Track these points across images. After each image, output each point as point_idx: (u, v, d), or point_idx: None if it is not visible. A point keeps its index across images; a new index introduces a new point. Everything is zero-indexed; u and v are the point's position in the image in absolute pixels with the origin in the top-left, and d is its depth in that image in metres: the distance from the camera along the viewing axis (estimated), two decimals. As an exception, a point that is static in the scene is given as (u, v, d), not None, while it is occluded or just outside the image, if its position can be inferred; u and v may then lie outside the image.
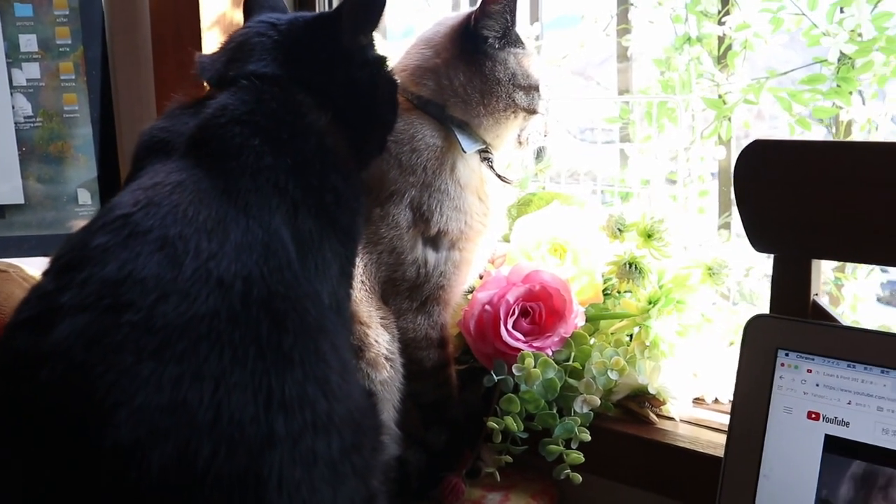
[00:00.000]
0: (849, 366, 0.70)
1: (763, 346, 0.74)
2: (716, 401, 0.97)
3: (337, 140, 0.74)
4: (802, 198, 0.73)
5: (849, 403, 0.70)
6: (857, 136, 1.18)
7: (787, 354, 0.73)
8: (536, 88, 0.93)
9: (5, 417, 0.55)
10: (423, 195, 0.91)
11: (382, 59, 0.82)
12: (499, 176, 0.95)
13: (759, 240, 0.76)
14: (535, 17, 1.45)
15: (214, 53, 0.81)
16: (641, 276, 0.90)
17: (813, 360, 0.72)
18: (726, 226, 1.23)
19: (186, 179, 0.65)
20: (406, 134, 0.91)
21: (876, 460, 0.68)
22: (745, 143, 1.27)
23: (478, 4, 0.90)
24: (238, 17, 1.39)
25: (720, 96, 1.29)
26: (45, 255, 1.50)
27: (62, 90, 1.43)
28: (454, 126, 0.92)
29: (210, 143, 0.68)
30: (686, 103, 1.32)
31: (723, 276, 0.90)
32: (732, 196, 1.32)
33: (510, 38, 0.91)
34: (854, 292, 1.12)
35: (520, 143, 0.97)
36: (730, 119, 1.29)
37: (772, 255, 0.77)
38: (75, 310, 0.55)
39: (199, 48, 1.35)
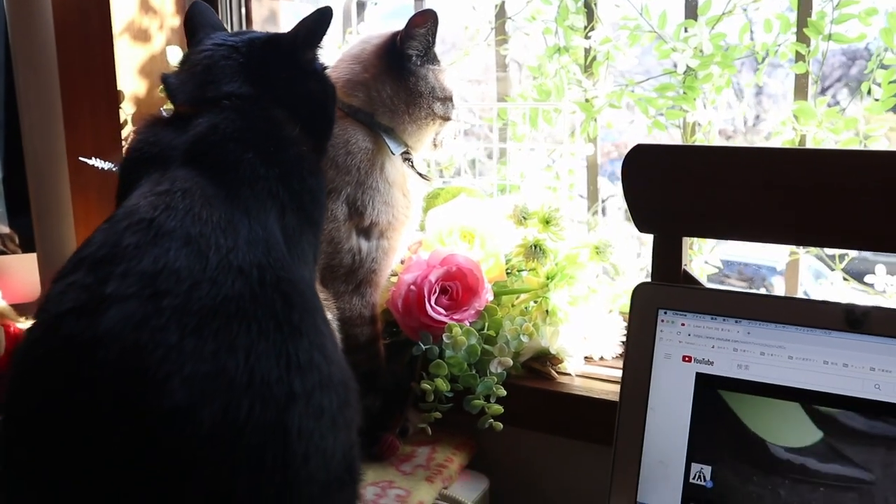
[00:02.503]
0: (712, 318, 0.91)
1: (647, 307, 0.93)
2: (601, 358, 1.17)
3: (307, 147, 0.87)
4: (675, 189, 0.93)
5: (713, 347, 0.90)
6: (699, 134, 1.42)
7: (665, 312, 0.93)
8: (450, 99, 1.09)
9: (65, 395, 0.63)
10: (357, 192, 1.05)
11: (325, 68, 0.95)
12: (419, 174, 1.10)
13: (642, 222, 0.96)
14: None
15: (180, 74, 0.89)
16: (544, 255, 1.08)
17: (685, 315, 0.92)
18: (595, 212, 1.44)
19: (193, 187, 0.75)
20: (341, 139, 1.04)
21: (733, 388, 0.89)
22: (609, 140, 1.48)
23: (404, 27, 1.05)
24: (146, 23, 1.45)
25: (587, 100, 1.50)
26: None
27: (-37, 94, 1.44)
28: (382, 131, 1.06)
29: (209, 157, 0.79)
30: (557, 110, 1.52)
31: (608, 253, 1.10)
32: (599, 187, 1.54)
33: (430, 57, 1.07)
34: (700, 266, 1.37)
35: (435, 145, 1.13)
36: (596, 120, 1.50)
37: (651, 235, 0.96)
38: (121, 298, 0.65)
39: (111, 57, 1.40)
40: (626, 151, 0.93)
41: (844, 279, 1.26)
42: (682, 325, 0.92)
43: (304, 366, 0.70)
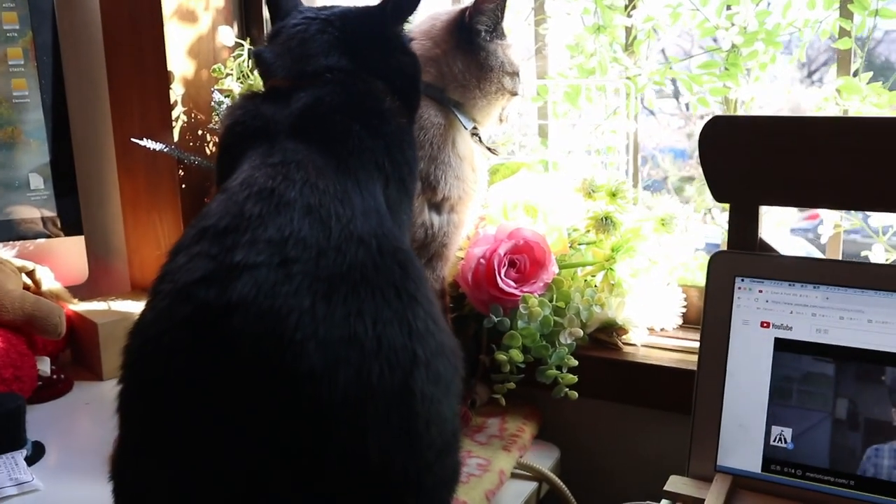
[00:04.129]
0: (790, 284, 0.93)
1: (724, 275, 0.96)
2: (662, 329, 1.20)
3: (405, 119, 0.88)
4: (752, 160, 0.95)
5: (791, 313, 0.93)
6: (741, 110, 1.45)
7: (742, 280, 0.95)
8: (518, 74, 1.11)
9: (201, 362, 0.64)
10: (431, 167, 1.06)
11: (411, 40, 0.96)
12: (489, 148, 1.12)
13: (719, 192, 0.98)
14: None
15: (274, 48, 0.89)
16: (614, 227, 1.11)
17: (762, 282, 0.94)
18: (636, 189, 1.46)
19: (305, 159, 0.76)
20: (414, 114, 1.06)
21: (812, 353, 0.92)
22: (650, 117, 1.50)
23: (472, 2, 1.06)
24: (193, 4, 1.46)
25: (629, 78, 1.52)
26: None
27: (11, 75, 1.44)
28: (453, 107, 1.08)
29: (317, 129, 0.80)
30: (601, 87, 1.54)
31: (674, 225, 1.12)
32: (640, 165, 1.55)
33: (499, 32, 1.08)
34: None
35: (500, 120, 1.14)
36: (638, 99, 1.52)
37: (727, 205, 0.99)
38: (251, 266, 0.65)
39: (161, 38, 1.41)
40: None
41: (887, 251, 1.29)
42: (760, 291, 0.94)
43: (423, 333, 0.71)
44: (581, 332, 1.10)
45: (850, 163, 0.92)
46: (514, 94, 1.11)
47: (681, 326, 1.20)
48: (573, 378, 1.06)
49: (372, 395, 0.66)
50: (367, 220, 0.74)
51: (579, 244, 1.20)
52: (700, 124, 1.45)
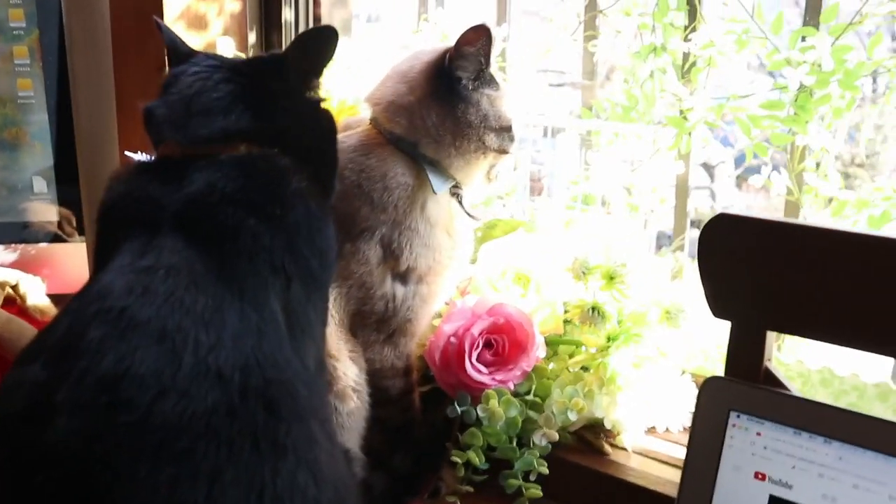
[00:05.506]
0: (795, 432, 0.75)
1: (717, 406, 0.78)
2: (667, 430, 1.02)
3: (317, 199, 0.74)
4: (761, 272, 0.76)
5: (793, 468, 0.75)
6: (808, 161, 1.23)
7: (738, 416, 0.77)
8: (508, 129, 0.94)
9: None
10: (394, 233, 0.92)
11: (323, 100, 0.81)
12: (468, 214, 0.97)
13: (718, 307, 0.80)
14: (502, 18, 1.45)
15: (167, 101, 0.76)
16: (603, 320, 0.94)
17: (763, 423, 0.76)
18: (681, 247, 1.27)
19: (180, 263, 0.64)
20: (378, 171, 0.91)
21: (814, 522, 0.74)
22: (703, 156, 1.30)
23: (454, 44, 0.90)
24: (203, 9, 1.35)
25: (681, 112, 1.32)
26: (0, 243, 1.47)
27: (16, 75, 1.38)
28: (426, 164, 0.93)
29: (203, 224, 0.67)
30: (647, 113, 1.34)
31: (680, 319, 0.94)
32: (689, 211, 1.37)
33: (484, 79, 0.92)
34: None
35: (489, 179, 0.98)
36: (690, 135, 1.32)
37: (728, 323, 0.80)
38: (73, 407, 0.56)
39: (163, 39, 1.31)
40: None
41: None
42: (758, 434, 0.76)
43: (283, 494, 0.59)
44: (556, 436, 0.94)
45: (887, 291, 0.71)
46: (501, 152, 0.94)
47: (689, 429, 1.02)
48: (537, 492, 0.91)
49: None
50: (239, 345, 0.62)
51: (575, 320, 1.03)
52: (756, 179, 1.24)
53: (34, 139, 1.41)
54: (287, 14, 1.44)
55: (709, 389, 0.79)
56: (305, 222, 0.72)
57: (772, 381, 0.78)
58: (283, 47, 1.46)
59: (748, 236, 0.76)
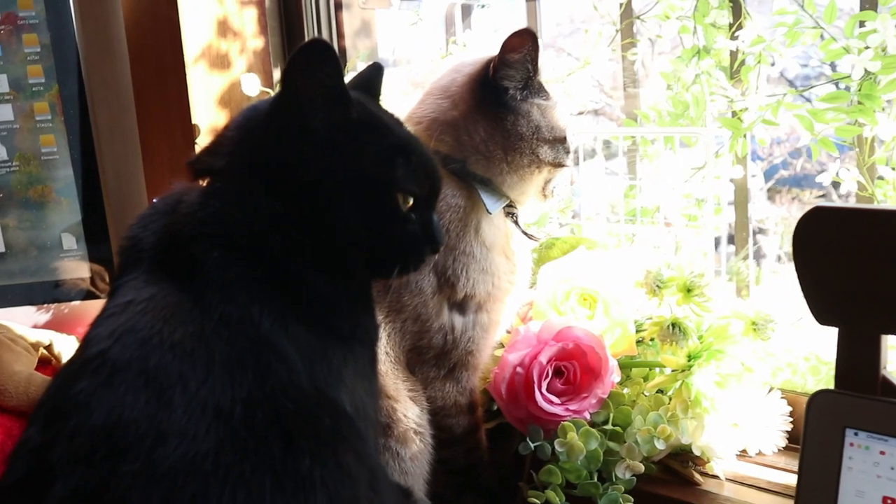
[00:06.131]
0: (926, 447, 0.66)
1: (829, 425, 0.70)
2: (759, 453, 0.93)
3: (303, 234, 0.64)
4: (869, 269, 0.68)
5: (927, 488, 0.66)
6: (880, 152, 1.14)
7: (856, 434, 0.69)
8: (563, 140, 0.87)
9: None
10: (448, 259, 0.85)
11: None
12: (525, 233, 0.89)
13: (822, 312, 0.71)
14: (532, 24, 1.39)
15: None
16: (685, 336, 0.85)
17: (886, 441, 0.67)
18: (746, 256, 1.18)
19: (157, 293, 0.59)
20: (426, 194, 0.85)
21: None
22: (761, 160, 1.22)
23: (497, 52, 0.84)
24: (225, 47, 1.31)
25: (735, 113, 1.24)
26: (30, 304, 1.43)
27: (38, 131, 1.35)
28: (476, 183, 0.86)
29: (172, 254, 0.62)
30: (688, 141, 1.27)
31: (768, 330, 0.86)
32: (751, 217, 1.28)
33: (533, 89, 0.85)
34: None
35: (544, 195, 0.91)
36: (745, 137, 1.24)
37: (835, 328, 0.72)
38: (69, 466, 0.51)
39: (184, 82, 1.27)
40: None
41: None
42: (882, 453, 0.68)
43: None
44: (641, 468, 0.86)
45: None
46: (556, 165, 0.87)
47: (784, 449, 0.93)
48: (626, 532, 0.83)
49: None
50: (234, 376, 0.55)
51: (653, 339, 0.95)
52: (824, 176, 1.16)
53: (61, 195, 1.36)
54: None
55: (818, 405, 0.70)
56: (285, 254, 0.63)
57: (891, 391, 0.69)
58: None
59: (851, 229, 0.68)
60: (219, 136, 0.70)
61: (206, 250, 0.61)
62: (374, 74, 0.77)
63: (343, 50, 1.46)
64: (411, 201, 0.68)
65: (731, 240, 1.34)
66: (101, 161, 1.38)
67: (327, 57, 0.63)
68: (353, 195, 0.65)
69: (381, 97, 0.77)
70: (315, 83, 0.63)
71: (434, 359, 0.88)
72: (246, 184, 0.64)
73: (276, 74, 1.37)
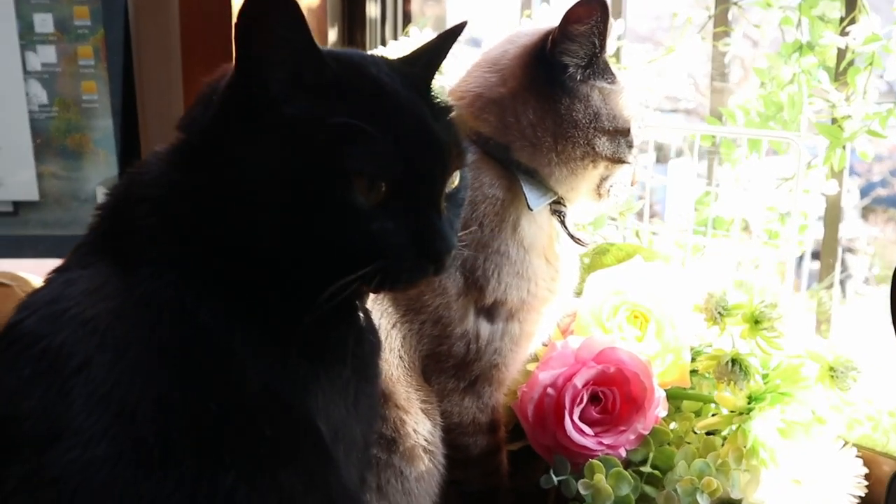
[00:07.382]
0: None
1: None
2: (822, 517, 0.80)
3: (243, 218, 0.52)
4: None
5: None
6: None
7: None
8: (625, 133, 0.74)
9: None
10: (479, 257, 0.74)
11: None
12: (572, 237, 0.78)
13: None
14: (617, 12, 1.25)
15: None
16: (746, 376, 0.72)
17: None
18: (830, 285, 1.03)
19: (96, 262, 0.52)
20: (462, 180, 0.74)
21: None
22: (858, 176, 1.07)
23: (558, 23, 0.72)
24: None
25: (835, 120, 1.09)
26: (61, 257, 1.38)
27: (80, 77, 1.29)
28: (520, 174, 0.74)
29: (117, 219, 0.55)
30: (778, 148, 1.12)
31: (848, 378, 0.72)
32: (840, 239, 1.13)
33: (597, 69, 0.73)
34: None
35: (599, 194, 0.79)
36: (845, 148, 1.09)
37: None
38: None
39: (230, 39, 1.19)
40: None
41: None
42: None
43: None
44: (681, 523, 0.73)
45: None
46: (615, 161, 0.75)
47: (854, 517, 0.80)
48: None
49: None
50: (151, 364, 0.47)
51: (707, 373, 0.82)
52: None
53: (98, 146, 1.31)
54: (372, 10, 1.29)
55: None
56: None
57: None
58: (367, 47, 1.34)
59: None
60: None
61: (144, 216, 0.52)
62: (442, 44, 0.60)
63: (407, 14, 1.36)
64: (383, 188, 0.51)
65: (814, 256, 1.19)
66: (143, 114, 1.32)
67: (281, 4, 0.48)
68: (290, 180, 0.50)
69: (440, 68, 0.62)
70: (268, 38, 0.49)
71: (453, 368, 0.77)
72: (197, 152, 0.53)
73: (332, 35, 1.28)
